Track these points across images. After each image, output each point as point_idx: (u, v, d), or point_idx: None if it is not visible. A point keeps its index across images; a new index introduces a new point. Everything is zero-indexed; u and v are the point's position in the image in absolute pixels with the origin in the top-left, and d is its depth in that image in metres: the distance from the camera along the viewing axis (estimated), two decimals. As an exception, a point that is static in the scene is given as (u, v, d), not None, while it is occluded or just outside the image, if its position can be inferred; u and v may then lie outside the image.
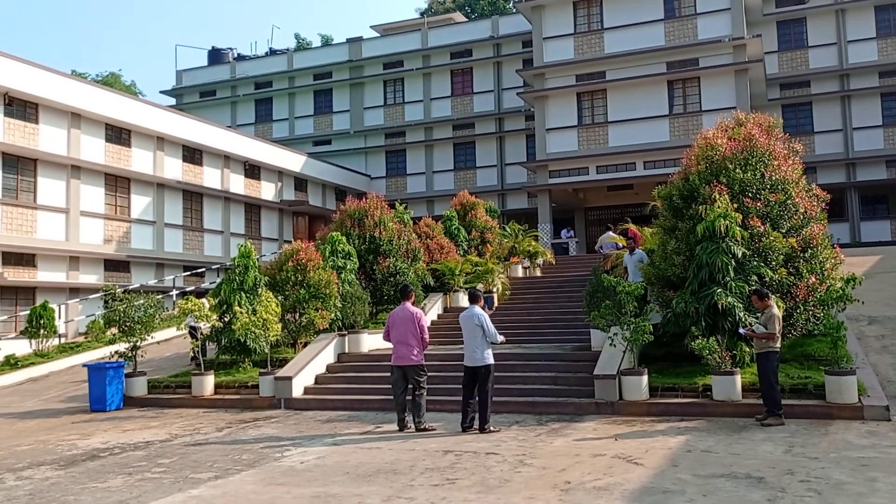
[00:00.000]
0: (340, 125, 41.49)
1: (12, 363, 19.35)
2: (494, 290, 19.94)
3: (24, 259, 23.25)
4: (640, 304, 12.43)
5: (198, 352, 15.70)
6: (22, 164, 23.43)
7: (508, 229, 25.71)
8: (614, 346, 11.92)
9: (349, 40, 41.85)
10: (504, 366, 13.31)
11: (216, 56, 45.75)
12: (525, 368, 13.69)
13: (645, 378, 11.55)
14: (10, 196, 22.96)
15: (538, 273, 24.63)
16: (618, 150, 30.54)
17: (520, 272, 23.66)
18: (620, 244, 18.98)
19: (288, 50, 45.75)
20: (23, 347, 20.65)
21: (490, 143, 38.74)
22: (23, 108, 23.46)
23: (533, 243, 24.73)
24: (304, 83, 42.09)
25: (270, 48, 46.79)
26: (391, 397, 11.15)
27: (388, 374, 11.20)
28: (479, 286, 19.57)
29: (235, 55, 45.82)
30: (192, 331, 16.70)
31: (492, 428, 10.21)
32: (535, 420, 11.12)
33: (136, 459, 9.45)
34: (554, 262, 25.30)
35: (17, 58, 23.21)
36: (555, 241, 31.67)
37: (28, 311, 21.06)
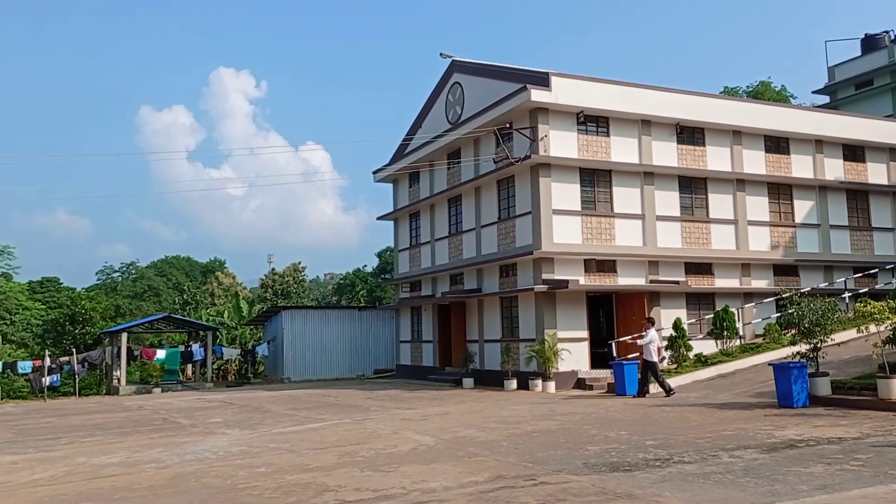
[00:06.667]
0: None
1: (702, 361, 22.06)
2: None
3: (703, 268, 26.07)
4: None
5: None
6: (694, 185, 26.40)
7: None
8: None
9: None
10: None
11: (870, 43, 42.99)
12: None
13: None
14: (686, 213, 26.10)
15: None
16: None
17: None
18: None
19: (957, 15, 40.27)
20: (708, 347, 23.27)
21: None
22: (691, 134, 26.46)
23: None
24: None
25: (934, 19, 41.88)
26: None
27: None
28: None
29: (893, 37, 42.34)
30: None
31: None
32: None
33: (831, 452, 10.13)
34: None
35: (684, 91, 26.38)
36: None
37: (710, 315, 23.60)
